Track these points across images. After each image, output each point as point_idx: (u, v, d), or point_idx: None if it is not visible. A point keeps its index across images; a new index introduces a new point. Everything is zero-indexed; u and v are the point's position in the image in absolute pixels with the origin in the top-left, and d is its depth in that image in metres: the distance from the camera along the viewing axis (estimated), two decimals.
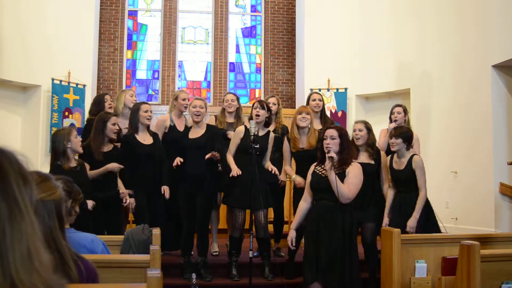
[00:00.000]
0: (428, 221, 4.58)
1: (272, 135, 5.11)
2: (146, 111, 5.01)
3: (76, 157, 4.49)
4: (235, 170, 4.74)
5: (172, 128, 5.39)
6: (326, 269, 3.87)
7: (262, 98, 9.01)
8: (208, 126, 5.07)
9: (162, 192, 4.92)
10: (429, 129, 7.48)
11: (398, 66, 8.27)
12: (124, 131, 5.18)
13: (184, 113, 5.60)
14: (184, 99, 5.48)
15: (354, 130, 4.86)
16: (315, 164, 4.19)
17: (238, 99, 5.64)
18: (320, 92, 5.91)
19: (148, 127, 5.06)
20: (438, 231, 4.61)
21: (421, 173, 4.53)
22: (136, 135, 4.96)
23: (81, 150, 4.45)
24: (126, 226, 5.42)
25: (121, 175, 4.88)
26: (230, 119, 5.53)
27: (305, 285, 4.03)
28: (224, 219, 5.81)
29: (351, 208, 4.02)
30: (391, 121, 5.46)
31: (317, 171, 4.11)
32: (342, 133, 4.08)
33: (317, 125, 5.33)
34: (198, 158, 4.83)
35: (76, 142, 4.36)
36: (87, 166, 4.60)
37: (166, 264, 4.56)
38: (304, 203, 4.19)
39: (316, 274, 3.91)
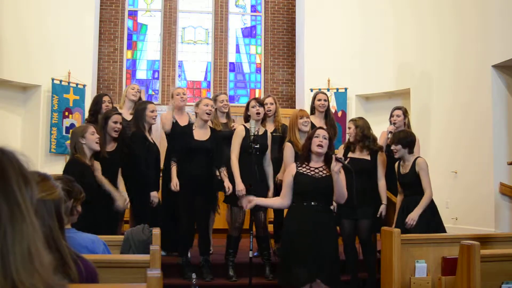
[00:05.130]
0: (434, 220, 4.55)
1: (269, 134, 5.08)
2: (152, 111, 5.02)
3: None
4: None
5: (175, 124, 5.43)
6: (322, 270, 3.85)
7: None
8: (211, 129, 5.06)
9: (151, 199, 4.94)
10: (429, 129, 7.47)
11: (398, 66, 8.27)
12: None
13: (186, 110, 5.63)
14: (178, 94, 5.54)
15: (349, 128, 4.92)
16: (296, 164, 4.06)
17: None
18: (325, 92, 5.92)
19: (150, 127, 5.08)
20: (443, 230, 4.59)
21: (425, 174, 4.51)
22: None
23: (97, 147, 4.35)
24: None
25: (123, 174, 4.87)
26: (223, 120, 5.54)
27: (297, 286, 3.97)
28: (222, 219, 5.80)
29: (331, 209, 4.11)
30: (391, 124, 5.46)
31: (304, 172, 3.97)
32: (331, 137, 4.13)
33: (322, 124, 5.35)
34: (202, 160, 4.85)
35: (91, 139, 4.30)
36: (99, 167, 4.55)
37: (166, 264, 4.56)
38: (282, 202, 4.07)
39: (310, 274, 3.85)
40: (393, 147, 4.63)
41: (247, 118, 5.12)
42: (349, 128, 4.92)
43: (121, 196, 4.60)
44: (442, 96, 7.39)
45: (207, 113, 4.92)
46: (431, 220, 4.51)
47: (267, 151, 4.97)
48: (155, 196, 4.85)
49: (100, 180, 4.50)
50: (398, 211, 4.68)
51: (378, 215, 4.75)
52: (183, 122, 5.46)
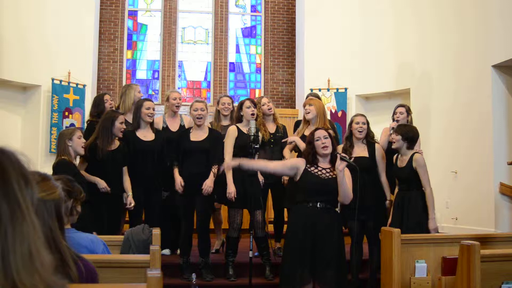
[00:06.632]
0: (426, 218, 4.52)
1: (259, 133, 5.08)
2: (148, 108, 5.02)
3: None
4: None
5: (165, 129, 5.37)
6: (325, 270, 3.83)
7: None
8: (210, 129, 5.06)
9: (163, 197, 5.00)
10: (429, 129, 7.47)
11: (398, 66, 8.27)
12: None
13: (179, 112, 5.60)
14: (174, 99, 5.47)
15: (358, 123, 4.85)
16: (306, 164, 4.05)
17: (233, 102, 5.63)
18: (314, 97, 5.80)
19: (151, 124, 5.07)
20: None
21: (423, 171, 4.46)
22: (136, 132, 4.98)
23: (82, 152, 4.45)
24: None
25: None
26: (225, 122, 5.48)
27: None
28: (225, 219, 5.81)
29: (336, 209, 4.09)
30: (394, 121, 5.46)
31: (313, 172, 3.99)
32: (331, 134, 4.11)
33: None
34: (201, 161, 4.84)
35: (78, 142, 4.38)
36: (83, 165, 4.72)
37: (166, 264, 4.56)
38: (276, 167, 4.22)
39: (310, 275, 3.84)
40: (393, 136, 4.62)
41: (239, 119, 5.10)
42: (364, 123, 4.86)
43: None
44: (442, 96, 7.39)
45: (198, 118, 4.90)
46: (423, 218, 4.46)
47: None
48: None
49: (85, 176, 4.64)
50: (393, 207, 4.65)
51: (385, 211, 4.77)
52: (174, 127, 5.43)
